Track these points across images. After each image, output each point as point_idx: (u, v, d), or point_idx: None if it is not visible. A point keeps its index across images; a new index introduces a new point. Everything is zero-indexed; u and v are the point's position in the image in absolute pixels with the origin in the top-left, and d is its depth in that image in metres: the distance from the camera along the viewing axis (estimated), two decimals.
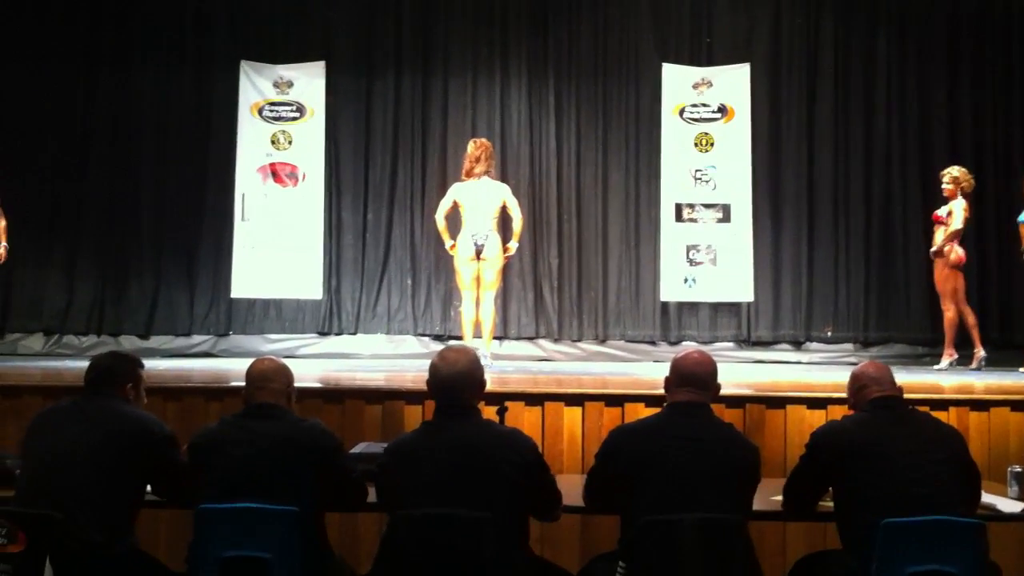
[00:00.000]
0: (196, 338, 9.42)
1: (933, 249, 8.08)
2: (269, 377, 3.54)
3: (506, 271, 9.31)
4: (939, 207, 8.20)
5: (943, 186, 8.11)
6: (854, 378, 3.62)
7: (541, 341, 9.46)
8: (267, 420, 3.43)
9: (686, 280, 9.38)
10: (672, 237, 9.39)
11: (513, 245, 7.88)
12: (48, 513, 3.19)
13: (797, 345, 9.41)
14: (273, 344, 9.21)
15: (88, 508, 3.32)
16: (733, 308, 9.45)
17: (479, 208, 7.69)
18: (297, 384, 3.69)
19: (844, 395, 3.75)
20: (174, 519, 4.51)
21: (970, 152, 9.17)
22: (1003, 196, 8.98)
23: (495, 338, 9.17)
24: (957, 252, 8.01)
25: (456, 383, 3.35)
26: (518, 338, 9.45)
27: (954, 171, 8.12)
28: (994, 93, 9.41)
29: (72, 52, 9.48)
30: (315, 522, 3.44)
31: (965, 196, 8.05)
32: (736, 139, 9.44)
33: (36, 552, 3.14)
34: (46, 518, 3.18)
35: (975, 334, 8.08)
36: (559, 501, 3.47)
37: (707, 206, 9.42)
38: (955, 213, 7.98)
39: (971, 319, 8.07)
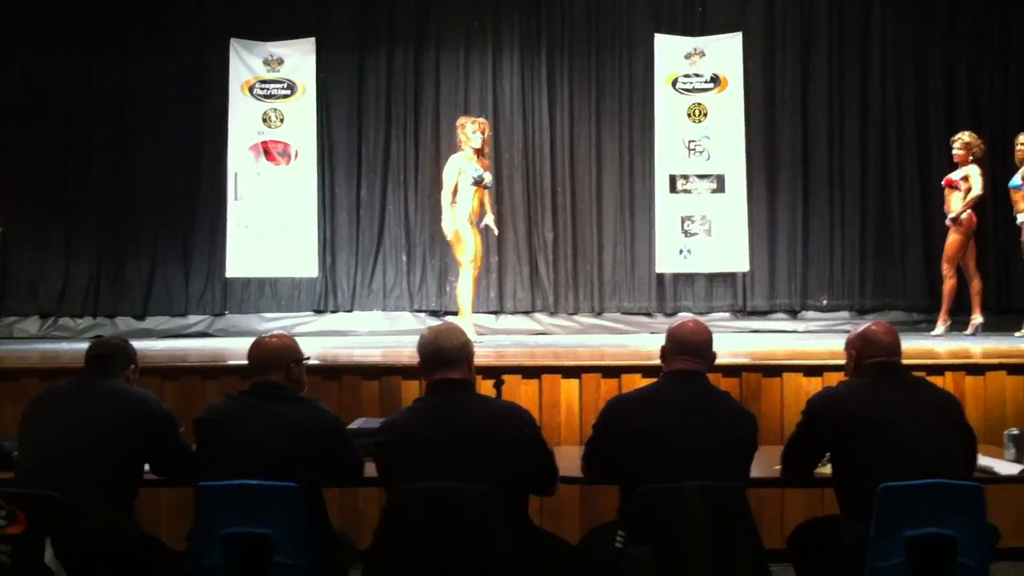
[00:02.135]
0: (192, 318, 9.41)
1: (951, 216, 8.01)
2: (271, 357, 3.52)
3: (501, 245, 9.33)
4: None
5: (954, 152, 8.07)
6: (861, 337, 3.56)
7: (537, 315, 9.46)
8: (272, 400, 3.42)
9: (681, 251, 9.38)
10: (666, 208, 9.38)
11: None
12: (48, 494, 3.18)
13: (793, 314, 9.43)
14: (269, 323, 9.20)
15: (88, 488, 3.32)
16: (729, 278, 9.46)
17: None
18: None
19: (841, 362, 3.75)
20: (175, 498, 4.52)
21: (966, 118, 9.14)
22: (999, 162, 8.95)
23: (491, 312, 9.20)
24: (972, 218, 7.98)
25: (446, 349, 3.35)
26: (514, 312, 9.46)
27: (964, 136, 8.06)
28: (990, 59, 9.39)
29: (66, 36, 9.41)
30: (316, 498, 3.45)
31: (977, 161, 8.00)
32: (729, 109, 9.41)
33: (36, 533, 3.14)
34: (46, 499, 3.17)
35: (977, 300, 8.08)
36: (556, 477, 3.48)
37: (701, 177, 9.40)
38: (973, 178, 7.91)
39: (977, 285, 8.07)
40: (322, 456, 3.38)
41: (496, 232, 8.04)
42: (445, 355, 3.35)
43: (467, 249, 7.50)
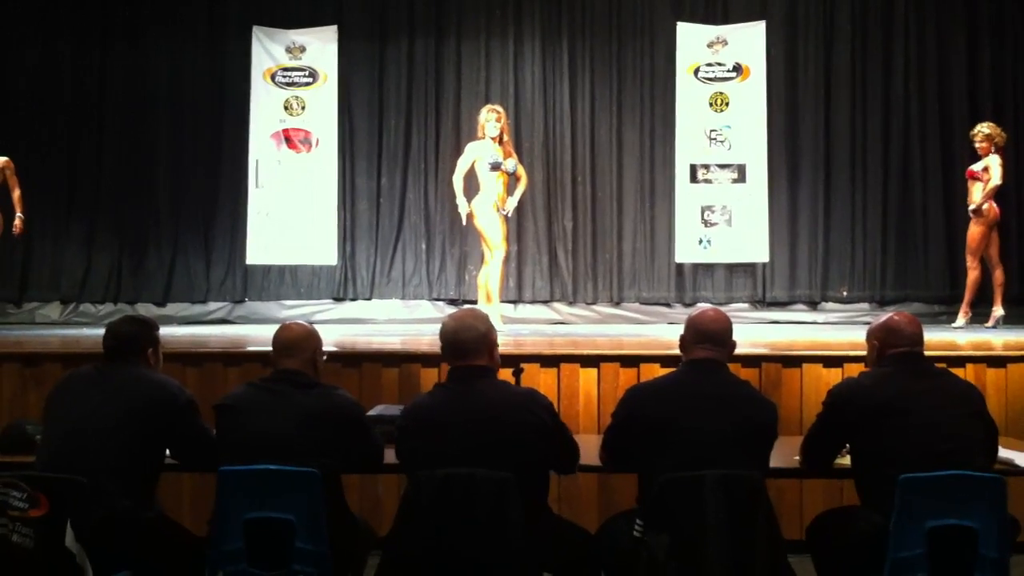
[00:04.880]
0: (213, 305, 9.47)
1: (972, 207, 7.94)
2: (297, 343, 3.54)
3: (521, 234, 9.33)
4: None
5: (976, 144, 8.00)
6: (884, 328, 3.53)
7: (556, 304, 9.46)
8: (293, 387, 3.44)
9: (701, 241, 9.35)
10: (687, 198, 9.35)
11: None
12: (70, 478, 3.20)
13: (813, 305, 9.39)
14: (289, 310, 9.23)
15: (111, 474, 3.33)
16: (748, 269, 9.43)
17: None
18: None
19: (861, 353, 3.73)
20: (197, 483, 4.55)
21: (989, 107, 9.07)
22: (1022, 152, 8.89)
23: (509, 302, 9.18)
24: (994, 209, 7.93)
25: (464, 340, 3.35)
26: (533, 301, 9.46)
27: (984, 128, 8.00)
28: (1014, 48, 9.30)
29: (84, 24, 9.48)
30: (335, 484, 3.46)
31: (999, 151, 7.94)
32: (751, 98, 9.36)
33: (58, 517, 3.15)
34: (68, 483, 3.18)
35: (999, 292, 8.03)
36: (577, 454, 3.49)
37: (722, 166, 9.36)
38: (993, 168, 7.85)
39: (1000, 277, 8.01)
40: (338, 442, 3.39)
41: (508, 213, 7.90)
42: (468, 343, 3.36)
43: (493, 236, 7.50)
